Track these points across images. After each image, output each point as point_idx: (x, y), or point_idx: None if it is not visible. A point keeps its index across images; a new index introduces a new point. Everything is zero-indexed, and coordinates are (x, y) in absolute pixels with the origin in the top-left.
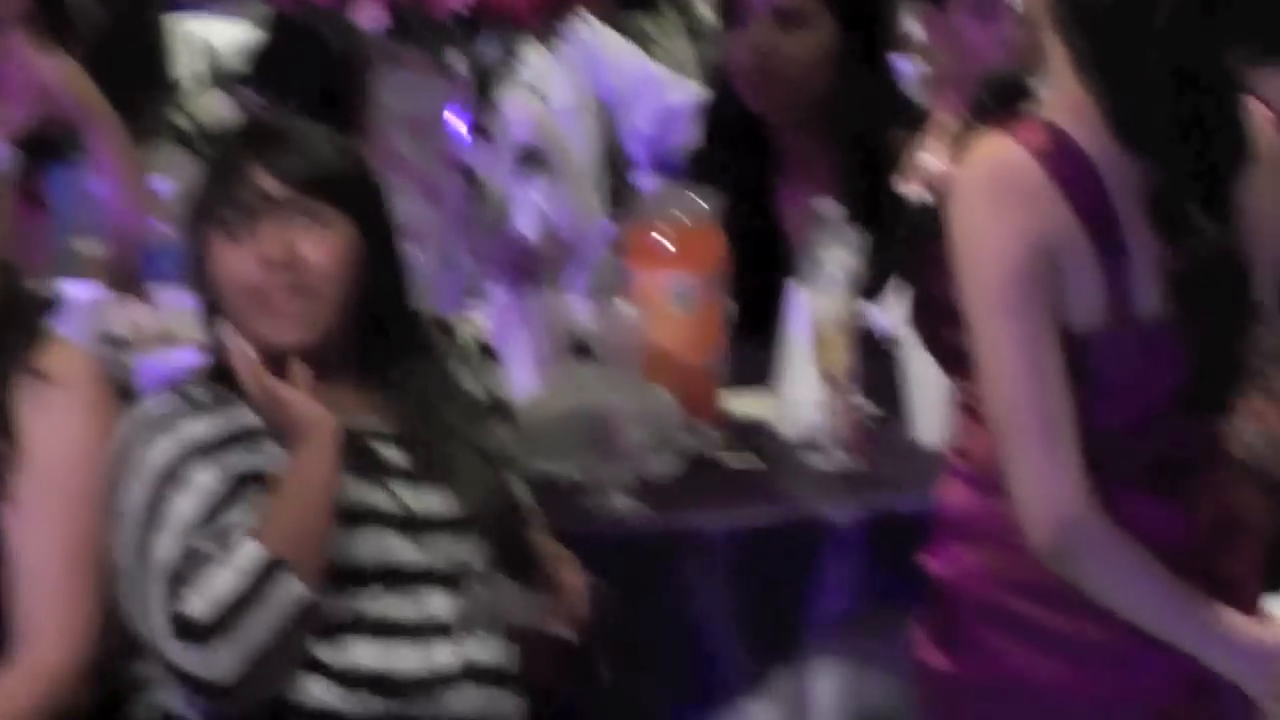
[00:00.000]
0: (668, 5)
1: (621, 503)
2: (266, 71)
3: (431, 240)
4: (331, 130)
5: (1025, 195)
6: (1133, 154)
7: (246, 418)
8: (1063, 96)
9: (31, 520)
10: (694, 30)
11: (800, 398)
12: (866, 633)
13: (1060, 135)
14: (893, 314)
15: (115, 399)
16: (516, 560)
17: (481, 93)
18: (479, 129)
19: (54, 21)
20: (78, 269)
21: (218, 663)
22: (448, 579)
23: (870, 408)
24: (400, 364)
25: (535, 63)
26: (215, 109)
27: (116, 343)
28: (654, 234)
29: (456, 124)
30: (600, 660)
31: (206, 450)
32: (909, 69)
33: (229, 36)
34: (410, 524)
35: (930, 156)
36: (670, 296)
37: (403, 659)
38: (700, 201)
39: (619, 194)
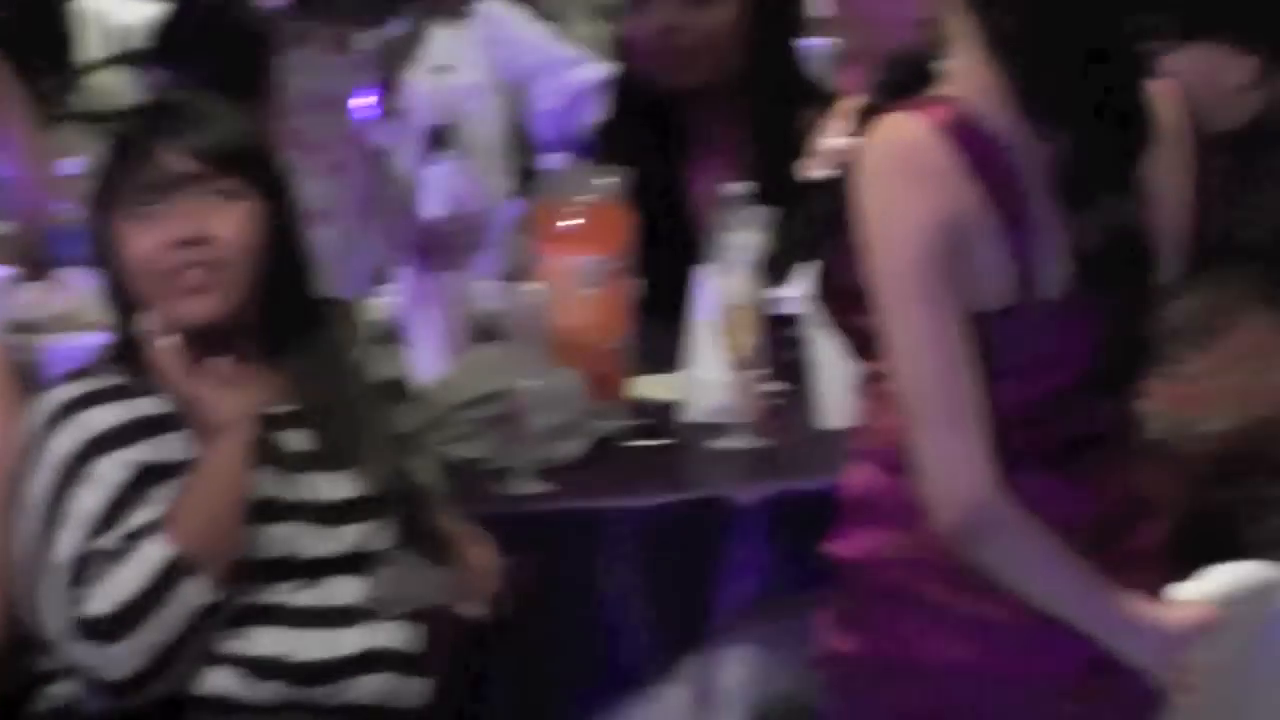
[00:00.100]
0: None
1: (529, 485)
2: (171, 49)
3: (338, 220)
4: (237, 106)
5: (933, 174)
6: (1040, 131)
7: (153, 406)
8: (970, 74)
9: None
10: (602, 8)
11: (708, 379)
12: (774, 615)
13: (967, 113)
14: (800, 295)
15: (20, 385)
16: (424, 542)
17: (388, 71)
18: (385, 108)
19: None
20: None
21: (120, 660)
22: (355, 564)
23: (778, 389)
24: (305, 345)
25: (442, 41)
26: (121, 88)
27: (23, 327)
28: (561, 214)
29: (363, 103)
30: (508, 642)
31: (111, 441)
32: (818, 46)
33: (140, 15)
34: (317, 511)
35: (835, 135)
36: (578, 277)
37: (308, 646)
38: (608, 181)
39: (526, 173)
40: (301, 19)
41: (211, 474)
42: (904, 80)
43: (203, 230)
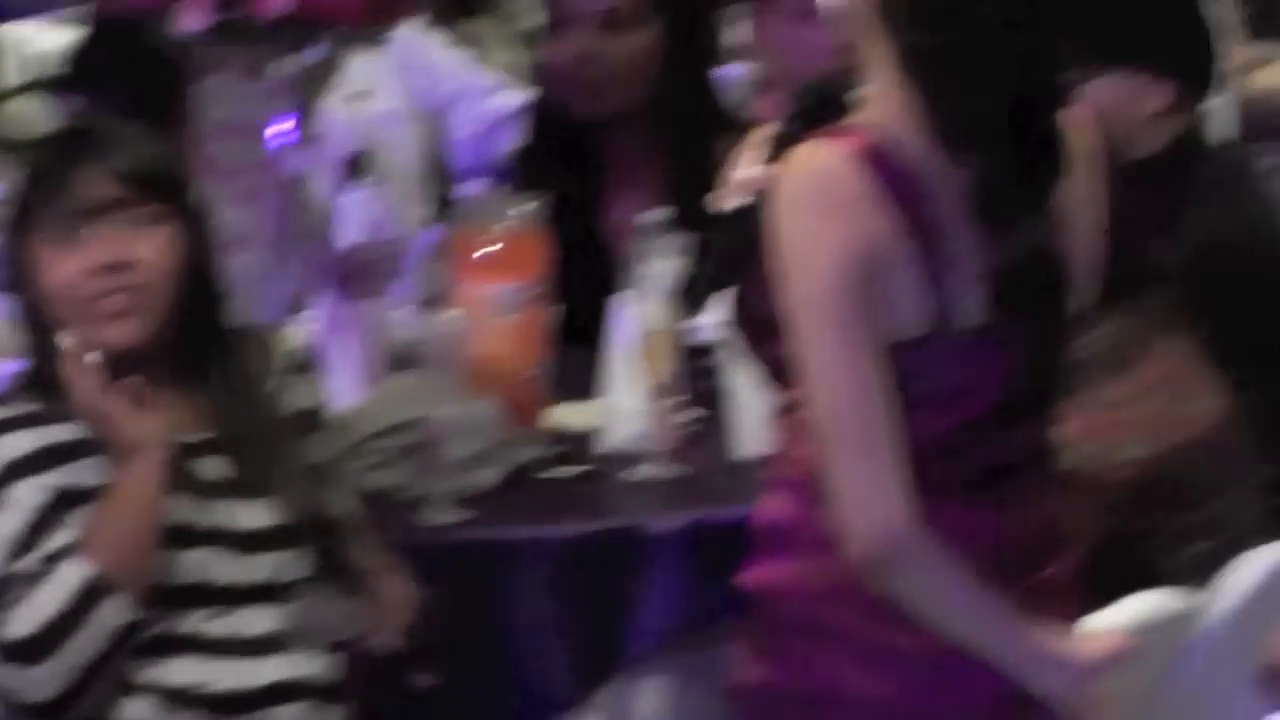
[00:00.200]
0: (495, 9)
1: (445, 514)
2: (87, 75)
3: (254, 247)
4: (153, 131)
5: (848, 204)
6: (955, 158)
7: (67, 432)
8: (885, 101)
9: None
10: (522, 35)
11: (624, 407)
12: (690, 645)
13: (882, 141)
14: (717, 323)
15: None
16: (339, 572)
17: (304, 98)
18: (301, 135)
19: None
20: None
21: (42, 682)
22: (270, 593)
23: (694, 417)
24: (222, 372)
25: (359, 68)
26: (37, 115)
27: None
28: (478, 242)
29: (279, 129)
30: (423, 672)
31: (27, 467)
32: (735, 74)
33: (56, 42)
34: (232, 539)
35: (749, 164)
36: (494, 305)
37: (224, 675)
38: (525, 209)
39: (443, 201)
40: (217, 45)
41: (127, 495)
42: (816, 108)
43: (124, 255)
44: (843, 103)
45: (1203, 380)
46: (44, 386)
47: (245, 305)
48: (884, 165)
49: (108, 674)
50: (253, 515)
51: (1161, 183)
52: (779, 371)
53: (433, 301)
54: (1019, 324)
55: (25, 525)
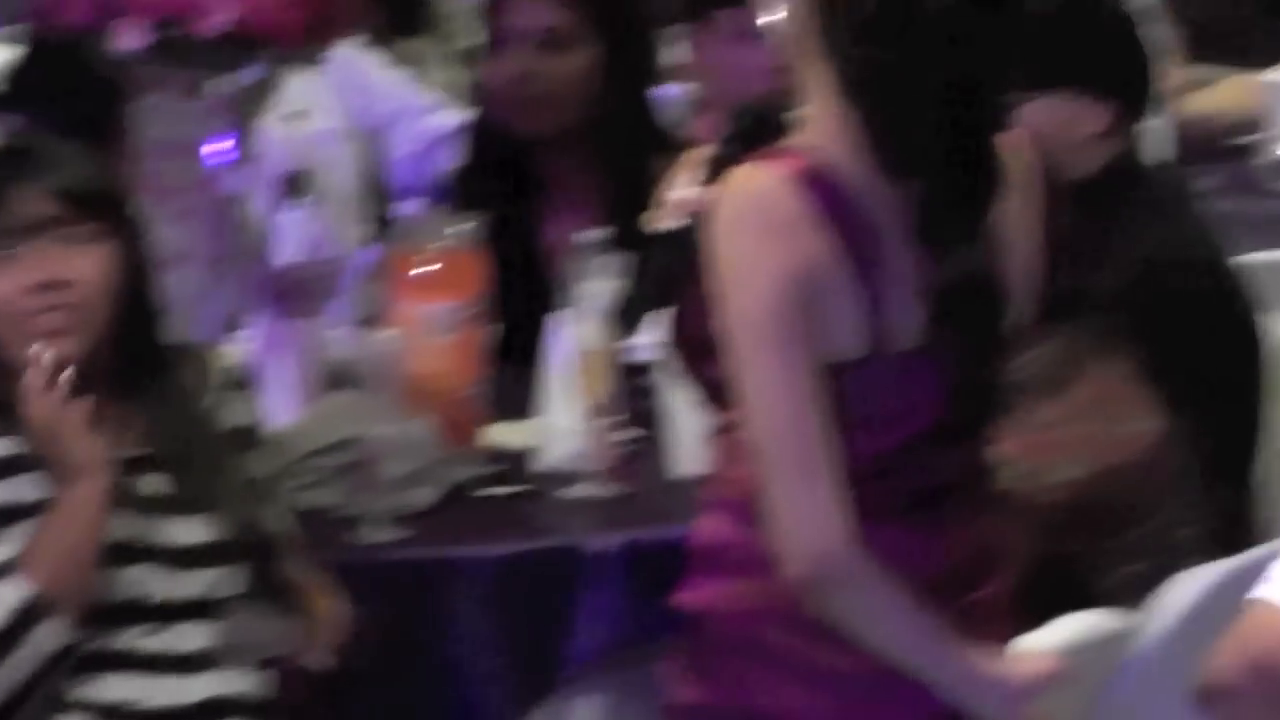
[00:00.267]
0: (435, 29)
1: (381, 533)
2: (24, 94)
3: (191, 266)
4: (91, 150)
5: (786, 226)
6: (893, 180)
7: (4, 446)
8: (823, 123)
9: None
10: (461, 54)
11: (561, 426)
12: (626, 664)
13: (820, 163)
14: (654, 342)
15: None
16: (274, 590)
17: (242, 117)
18: (239, 154)
19: None
20: None
21: None
22: (204, 609)
23: (631, 436)
24: (159, 389)
25: (296, 87)
26: None
27: None
28: (416, 261)
29: (216, 148)
30: (358, 691)
31: None
32: (673, 94)
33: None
34: (168, 555)
35: (685, 184)
36: (431, 324)
37: (157, 692)
38: (462, 228)
39: (381, 220)
40: (155, 64)
41: (70, 516)
42: (753, 129)
43: (60, 274)
44: (779, 124)
45: (1138, 402)
46: None
47: (182, 323)
48: (822, 187)
49: (40, 693)
50: (189, 531)
51: (1098, 204)
52: (715, 392)
53: (370, 320)
54: (956, 345)
55: None
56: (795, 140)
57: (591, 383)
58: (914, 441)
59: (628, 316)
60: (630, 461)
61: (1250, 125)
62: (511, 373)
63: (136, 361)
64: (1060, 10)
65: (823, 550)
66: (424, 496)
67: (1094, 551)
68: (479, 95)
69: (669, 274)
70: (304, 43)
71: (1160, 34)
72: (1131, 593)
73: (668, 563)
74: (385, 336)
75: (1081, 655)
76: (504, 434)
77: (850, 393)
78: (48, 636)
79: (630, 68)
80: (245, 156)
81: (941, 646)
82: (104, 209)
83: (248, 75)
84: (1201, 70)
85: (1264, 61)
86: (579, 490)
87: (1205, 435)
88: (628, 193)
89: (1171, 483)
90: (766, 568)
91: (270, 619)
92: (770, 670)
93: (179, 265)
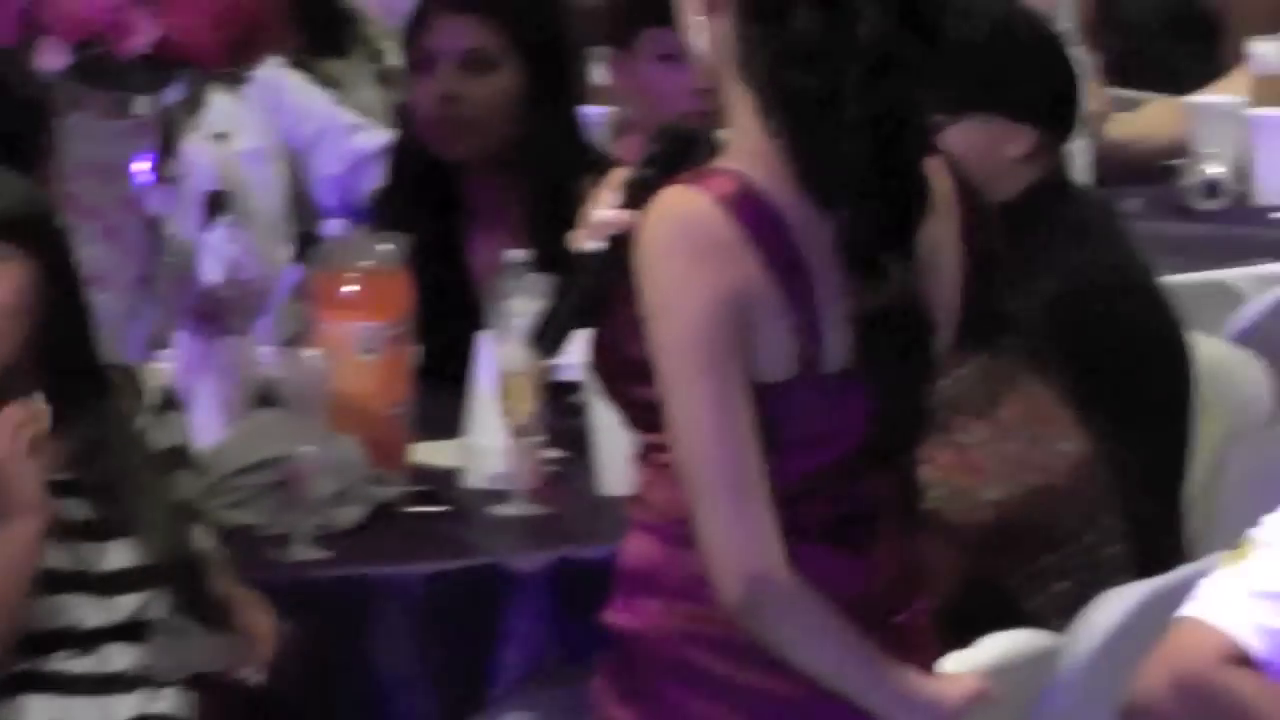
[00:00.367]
0: (358, 49)
1: (307, 551)
2: None
3: (116, 286)
4: (12, 171)
5: (714, 248)
6: (819, 204)
7: None
8: (748, 145)
9: None
10: (384, 75)
11: (487, 445)
12: (553, 683)
13: (747, 185)
14: (580, 362)
15: None
16: (201, 609)
17: (166, 137)
18: (163, 174)
19: None
20: None
21: None
22: (131, 631)
23: (557, 456)
24: (83, 412)
25: (221, 107)
26: None
27: None
28: (340, 281)
29: (141, 168)
30: (284, 710)
31: None
32: (598, 115)
33: None
34: (95, 581)
35: (606, 206)
36: (357, 344)
37: (82, 713)
38: (388, 248)
39: (306, 239)
40: (77, 84)
41: (4, 554)
42: (671, 151)
43: None
44: (700, 145)
45: (1063, 423)
46: None
47: (107, 343)
48: (751, 210)
49: None
50: (117, 556)
51: (1021, 227)
52: (638, 414)
53: (294, 340)
54: (884, 367)
55: None
56: (722, 163)
57: (515, 402)
58: (841, 463)
59: (549, 337)
60: (557, 480)
61: (1176, 148)
62: (438, 392)
63: (65, 384)
64: (983, 34)
65: (756, 573)
66: (350, 515)
67: (1021, 571)
68: (402, 116)
69: (587, 296)
70: (226, 63)
71: (1081, 58)
72: (1059, 612)
73: (594, 582)
74: (310, 356)
75: (1010, 675)
76: (430, 453)
77: (778, 414)
78: None
79: (554, 89)
80: (169, 176)
81: (874, 668)
82: (25, 230)
83: (170, 95)
84: (1119, 94)
85: (1188, 85)
86: (505, 509)
87: (1132, 455)
88: (552, 213)
89: (1098, 503)
90: (695, 590)
91: (198, 637)
92: (699, 692)
93: (103, 285)
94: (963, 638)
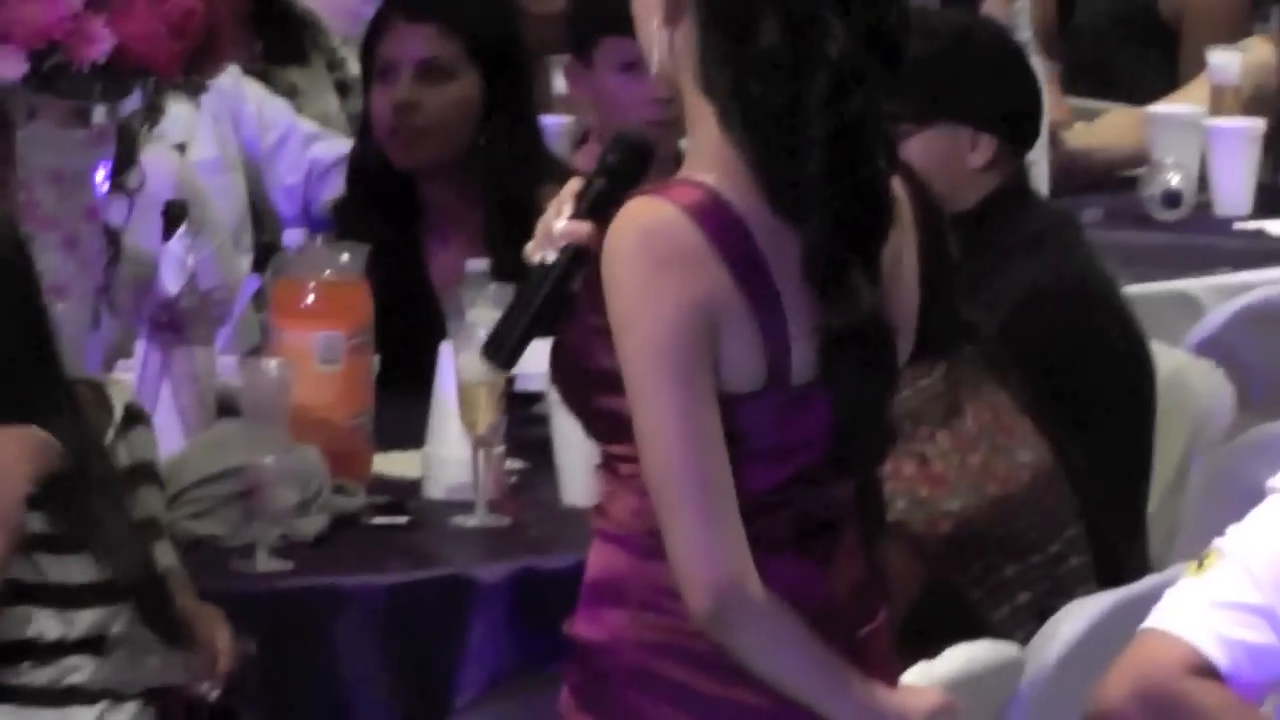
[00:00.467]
0: (316, 58)
1: (268, 562)
2: None
3: (74, 296)
4: None
5: (681, 257)
6: (784, 217)
7: None
8: (710, 156)
9: None
10: (342, 84)
11: (448, 456)
12: (516, 693)
13: (713, 195)
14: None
15: None
16: (160, 622)
17: (125, 146)
18: (122, 183)
19: None
20: None
21: None
22: (91, 645)
23: (519, 466)
24: (45, 425)
25: (178, 115)
26: None
27: None
28: (301, 290)
29: (99, 178)
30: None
31: None
32: (556, 124)
33: None
34: (55, 595)
35: (559, 216)
36: (317, 354)
37: None
38: (347, 257)
39: (266, 249)
40: (36, 92)
41: None
42: (625, 161)
43: None
44: (653, 155)
45: (1024, 432)
46: None
47: (67, 355)
48: (716, 219)
49: None
50: (78, 570)
51: (979, 236)
52: (601, 425)
53: (255, 350)
54: (849, 379)
55: None
56: (686, 172)
57: (476, 413)
58: (805, 474)
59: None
60: (519, 491)
61: (1136, 158)
62: (399, 402)
63: (23, 395)
64: (946, 44)
65: (725, 583)
66: (312, 526)
67: (984, 582)
68: (362, 125)
69: (545, 306)
70: (183, 72)
71: (1040, 67)
72: (1022, 623)
73: (556, 592)
74: (270, 366)
75: (974, 686)
76: (392, 464)
77: (744, 425)
78: None
79: (511, 98)
80: (128, 186)
81: (840, 680)
82: None
83: (131, 104)
84: (1085, 103)
85: (1148, 94)
86: (467, 520)
87: (1093, 465)
88: (511, 223)
89: (1060, 513)
90: (661, 600)
91: (157, 650)
92: (666, 702)
93: (61, 295)
94: (926, 649)
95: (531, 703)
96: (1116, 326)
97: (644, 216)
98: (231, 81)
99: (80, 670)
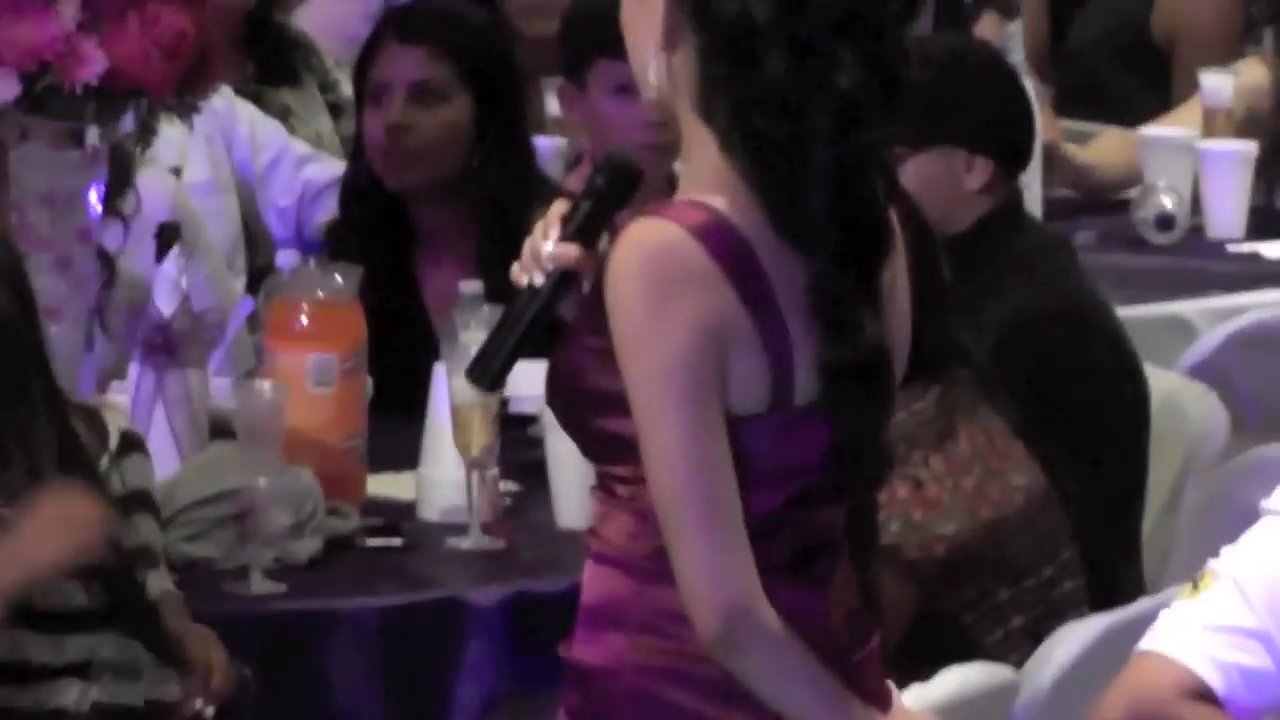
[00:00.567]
0: (309, 80)
1: (262, 584)
2: None
3: (67, 318)
4: None
5: (688, 278)
6: (787, 241)
7: None
8: (711, 179)
9: None
10: (335, 105)
11: (442, 478)
12: (509, 717)
13: (717, 216)
14: (537, 394)
15: None
16: (153, 645)
17: (119, 168)
18: (116, 205)
19: None
20: None
21: None
22: (76, 669)
23: (513, 489)
24: (38, 449)
25: (170, 137)
26: None
27: None
28: (294, 312)
29: (93, 199)
30: None
31: None
32: (549, 146)
33: None
34: (45, 621)
35: (549, 237)
36: (311, 376)
37: None
38: (341, 279)
39: (259, 271)
40: (28, 114)
41: None
42: (613, 183)
43: None
44: (641, 177)
45: (1017, 456)
46: None
47: (60, 377)
48: (721, 241)
49: None
50: (72, 596)
51: (975, 257)
52: (597, 447)
53: (248, 372)
54: (848, 403)
55: None
56: (686, 194)
57: (470, 435)
58: (803, 497)
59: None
60: (514, 513)
61: (1129, 180)
62: (392, 424)
63: (20, 420)
64: (941, 67)
65: (734, 606)
66: (306, 548)
67: (978, 605)
68: (355, 147)
69: (533, 328)
70: (176, 93)
71: (1033, 90)
72: (1017, 646)
73: (551, 615)
74: (264, 388)
75: (968, 710)
76: (385, 486)
77: (746, 447)
78: None
79: (504, 120)
80: (121, 208)
81: (841, 705)
82: None
83: (125, 126)
84: (1078, 126)
85: (1140, 116)
86: (461, 542)
87: (1086, 488)
88: (504, 245)
89: (1054, 536)
90: (663, 624)
91: (148, 671)
92: None
93: (54, 317)
94: (920, 672)
95: None
96: (1110, 349)
97: (649, 238)
98: (224, 103)
99: (67, 693)
